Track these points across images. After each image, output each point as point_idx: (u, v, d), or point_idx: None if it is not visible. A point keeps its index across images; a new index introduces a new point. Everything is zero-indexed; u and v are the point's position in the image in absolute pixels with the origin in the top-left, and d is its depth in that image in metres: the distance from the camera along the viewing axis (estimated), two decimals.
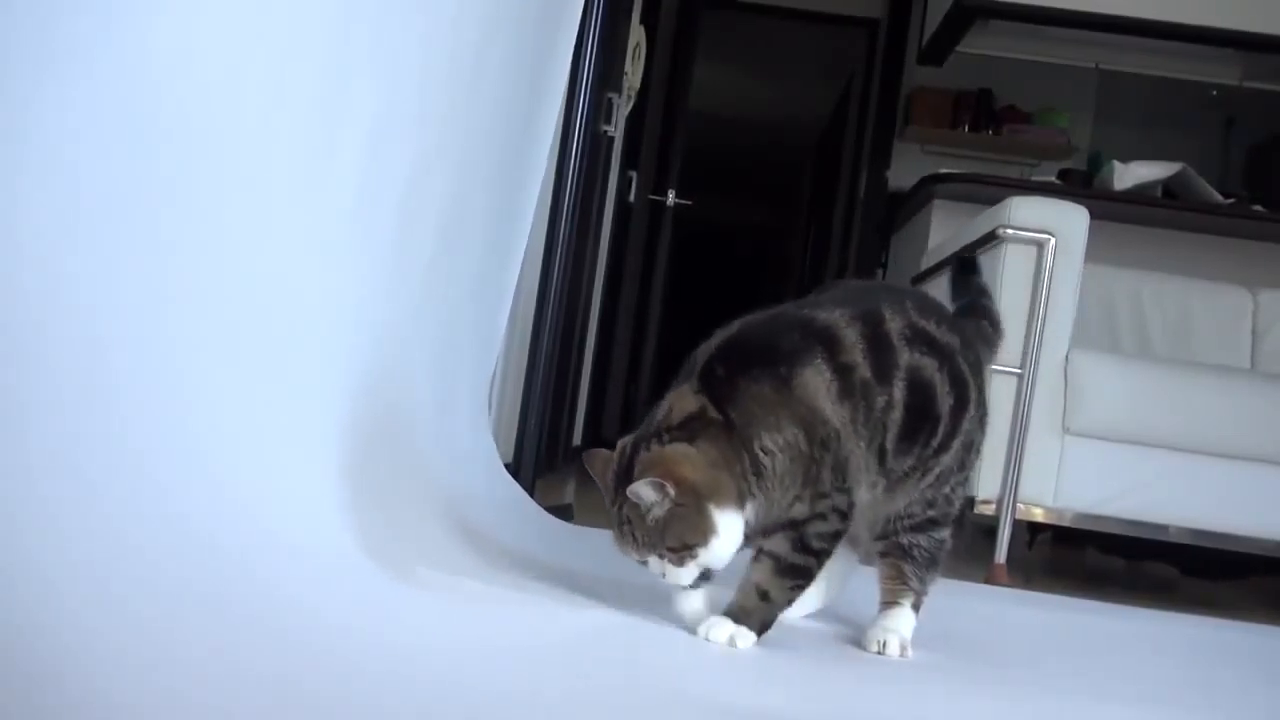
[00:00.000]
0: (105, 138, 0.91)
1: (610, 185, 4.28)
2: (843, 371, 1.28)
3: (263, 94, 1.12)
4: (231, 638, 0.90)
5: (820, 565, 1.30)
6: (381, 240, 1.51)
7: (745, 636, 1.28)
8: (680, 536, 1.23)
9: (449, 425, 1.98)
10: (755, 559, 1.30)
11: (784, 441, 1.25)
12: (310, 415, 1.27)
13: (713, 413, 1.25)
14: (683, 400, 1.27)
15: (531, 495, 2.41)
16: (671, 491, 1.21)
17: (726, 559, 1.26)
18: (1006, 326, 2.69)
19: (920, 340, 1.34)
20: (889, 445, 1.32)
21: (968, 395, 1.39)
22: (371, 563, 1.21)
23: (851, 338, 1.30)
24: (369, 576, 1.19)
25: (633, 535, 1.26)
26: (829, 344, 1.29)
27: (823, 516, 1.27)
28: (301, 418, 1.25)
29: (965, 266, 1.82)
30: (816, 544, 1.28)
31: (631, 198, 4.97)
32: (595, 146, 3.26)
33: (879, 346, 1.31)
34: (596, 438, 5.19)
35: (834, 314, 1.32)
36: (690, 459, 1.23)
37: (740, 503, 1.24)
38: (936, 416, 1.35)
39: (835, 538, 1.29)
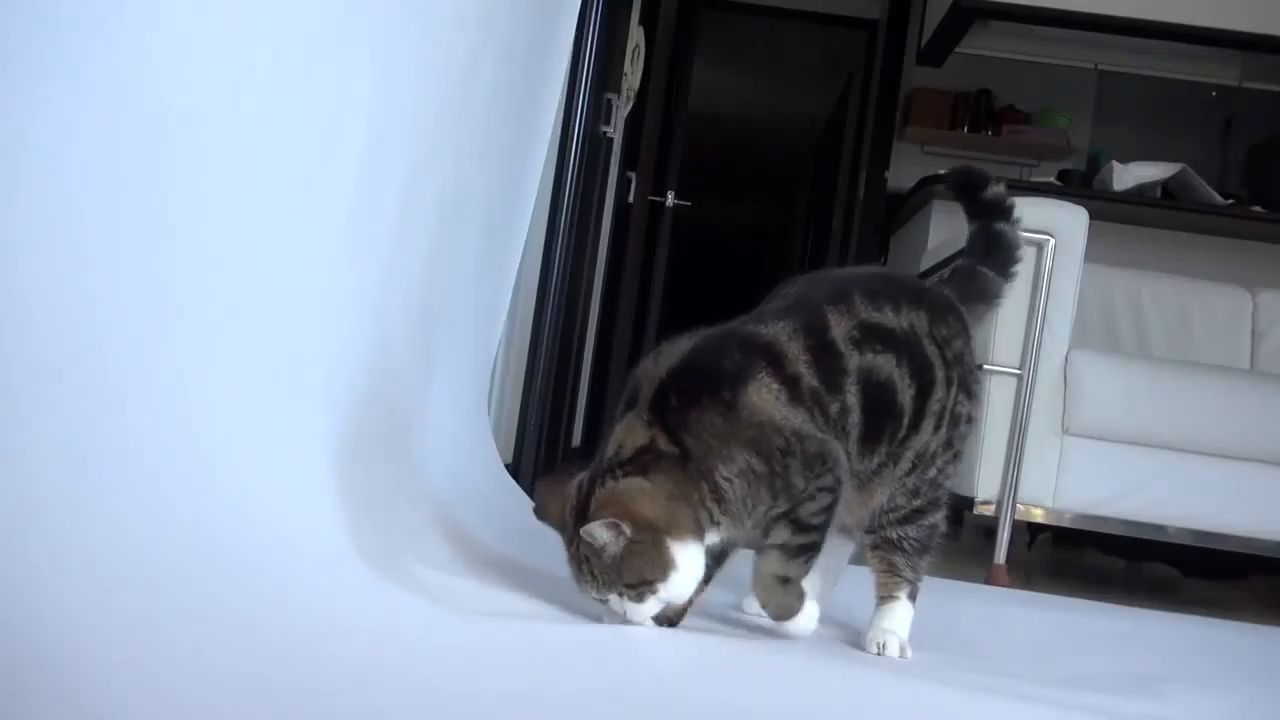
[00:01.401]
0: (104, 139, 0.91)
1: (609, 186, 4.28)
2: (789, 382, 1.26)
3: (261, 95, 1.12)
4: (229, 638, 0.90)
5: (823, 534, 1.30)
6: (380, 241, 1.51)
7: (801, 622, 1.32)
8: (638, 573, 1.22)
9: (448, 426, 1.98)
10: (761, 554, 1.30)
11: (738, 469, 1.24)
12: (309, 416, 1.27)
13: (665, 444, 1.23)
14: (633, 433, 1.26)
15: (531, 496, 2.41)
16: (627, 530, 1.20)
17: (687, 593, 1.26)
18: (1006, 327, 2.75)
19: (872, 338, 1.31)
20: (850, 449, 1.31)
21: (934, 378, 1.36)
22: (369, 564, 1.21)
23: (794, 351, 1.28)
24: (367, 578, 1.19)
25: (591, 574, 1.24)
26: (772, 359, 1.27)
27: (811, 498, 1.27)
28: (300, 419, 1.25)
29: (970, 181, 1.60)
30: (814, 520, 1.28)
31: (630, 199, 4.98)
32: (594, 147, 3.26)
33: (824, 356, 1.29)
34: (596, 438, 5.18)
35: (776, 328, 1.30)
36: (645, 493, 1.22)
37: (699, 534, 1.24)
38: (899, 413, 1.33)
39: (829, 509, 1.29)
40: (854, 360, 1.30)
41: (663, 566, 1.22)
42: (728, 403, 1.24)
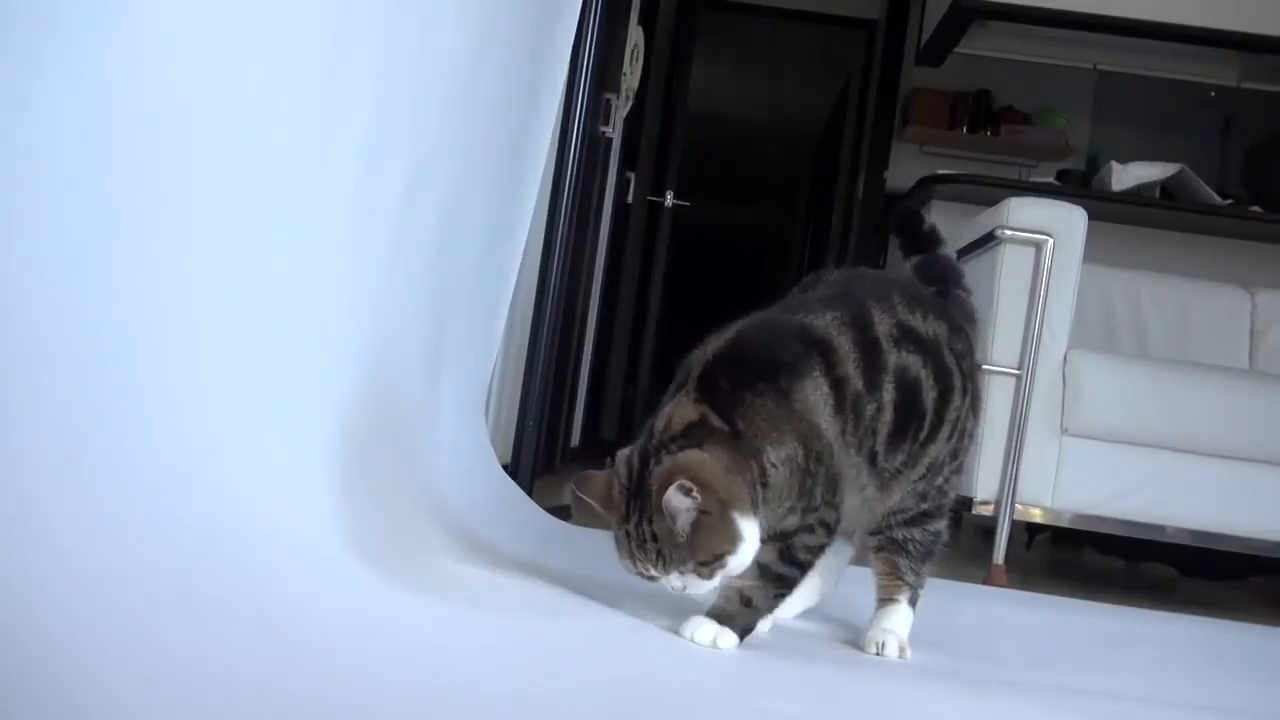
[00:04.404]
0: (99, 140, 0.91)
1: (608, 186, 4.28)
2: (838, 385, 1.27)
3: (259, 95, 1.12)
4: (229, 639, 0.90)
5: (803, 575, 1.30)
6: (379, 242, 1.51)
7: (728, 637, 1.27)
8: (710, 548, 1.19)
9: (446, 427, 1.98)
10: None
11: (786, 455, 1.23)
12: (307, 417, 1.27)
13: (717, 422, 1.22)
14: (681, 409, 1.24)
15: (530, 496, 2.41)
16: (698, 496, 1.18)
17: (746, 565, 1.23)
18: (1004, 327, 2.75)
19: (907, 338, 1.34)
20: (879, 448, 1.32)
21: (953, 385, 1.38)
22: (368, 565, 1.21)
23: (844, 346, 1.29)
24: (366, 579, 1.19)
25: (658, 553, 1.21)
26: (826, 354, 1.28)
27: (810, 529, 1.26)
28: (298, 420, 1.25)
29: (912, 218, 1.64)
30: (802, 555, 1.27)
31: (629, 199, 4.98)
32: (593, 148, 3.26)
33: (869, 352, 1.30)
34: (595, 438, 5.19)
35: (826, 319, 1.31)
36: (706, 464, 1.20)
37: (755, 510, 1.22)
38: (922, 413, 1.35)
39: (819, 550, 1.29)
40: (892, 358, 1.32)
41: (732, 538, 1.19)
42: (783, 391, 1.24)
